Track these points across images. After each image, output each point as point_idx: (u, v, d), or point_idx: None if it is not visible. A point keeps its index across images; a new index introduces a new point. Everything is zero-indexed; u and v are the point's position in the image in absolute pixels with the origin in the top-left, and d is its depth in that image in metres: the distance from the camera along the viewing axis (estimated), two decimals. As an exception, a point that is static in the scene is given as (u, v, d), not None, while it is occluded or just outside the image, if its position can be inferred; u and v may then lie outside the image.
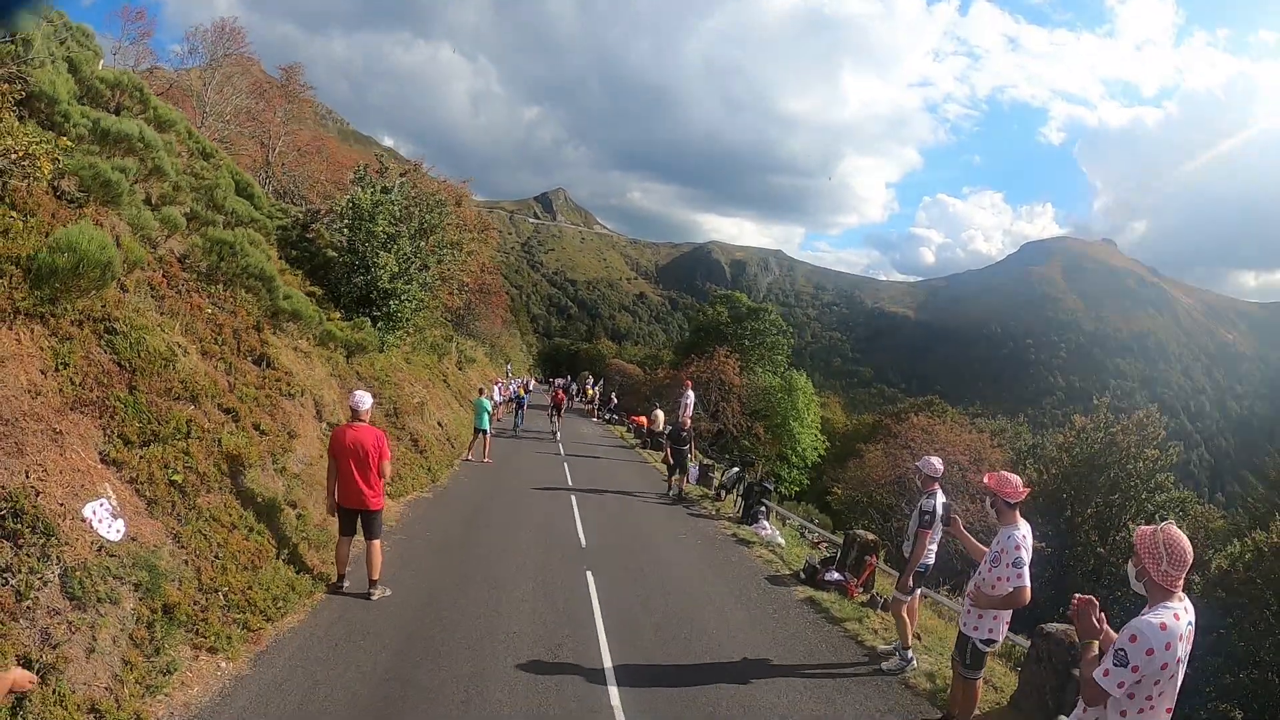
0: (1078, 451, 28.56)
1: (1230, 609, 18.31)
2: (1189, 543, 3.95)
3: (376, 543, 9.05)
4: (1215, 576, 19.94)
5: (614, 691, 7.23)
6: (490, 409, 22.12)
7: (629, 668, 7.87)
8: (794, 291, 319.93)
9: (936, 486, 8.48)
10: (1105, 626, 4.16)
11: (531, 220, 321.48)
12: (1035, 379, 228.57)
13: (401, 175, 22.13)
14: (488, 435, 21.71)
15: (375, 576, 9.04)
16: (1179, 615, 3.85)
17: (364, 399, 9.14)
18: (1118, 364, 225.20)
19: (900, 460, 32.44)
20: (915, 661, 8.60)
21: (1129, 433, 28.29)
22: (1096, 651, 4.08)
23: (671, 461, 19.97)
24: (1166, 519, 4.17)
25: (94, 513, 3.82)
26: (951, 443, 31.39)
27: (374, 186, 19.73)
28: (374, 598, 8.92)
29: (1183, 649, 3.86)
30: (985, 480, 6.79)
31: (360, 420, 9.02)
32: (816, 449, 48.94)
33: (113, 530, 3.95)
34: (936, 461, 8.71)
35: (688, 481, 21.65)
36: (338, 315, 17.39)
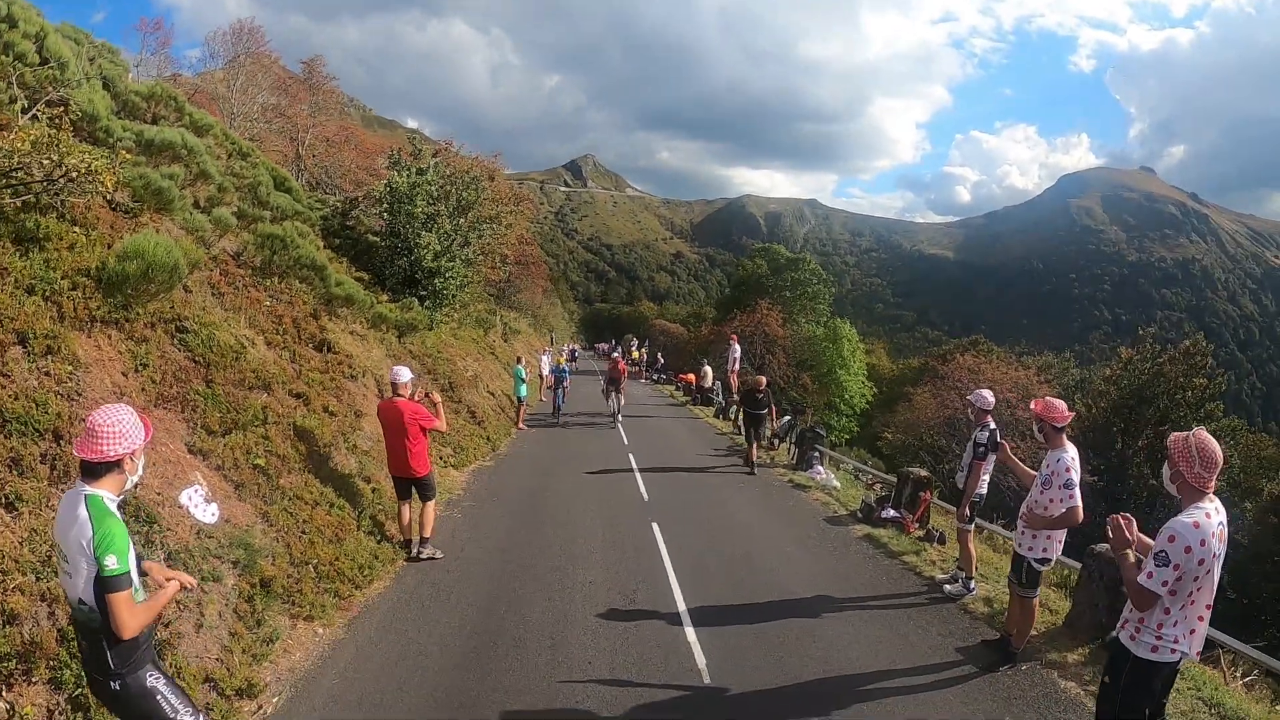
0: (1125, 384, 28.44)
1: None
2: (1219, 446, 4.23)
3: (430, 504, 9.55)
4: (1268, 503, 19.93)
5: (689, 631, 7.63)
6: (525, 376, 23.00)
7: (701, 609, 8.26)
8: (831, 240, 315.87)
9: (989, 419, 8.69)
10: (1139, 534, 4.44)
11: (562, 189, 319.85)
12: (1080, 314, 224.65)
13: (434, 156, 22.44)
14: (523, 402, 22.55)
15: (426, 535, 9.52)
16: (1210, 514, 4.15)
17: (400, 373, 9.42)
18: (1164, 294, 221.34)
19: (948, 401, 32.30)
20: (975, 589, 8.90)
21: (1176, 363, 28.15)
22: (1133, 560, 4.36)
23: (745, 428, 17.44)
24: (1195, 428, 4.40)
25: (189, 499, 4.23)
26: (999, 380, 31.18)
27: (409, 169, 20.09)
28: (423, 556, 9.36)
29: (1216, 546, 4.15)
30: (1032, 406, 6.99)
31: (399, 394, 9.32)
32: (864, 395, 48.86)
33: (208, 514, 4.37)
34: (988, 394, 8.92)
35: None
36: (385, 298, 17.86)
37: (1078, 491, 6.50)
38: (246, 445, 8.25)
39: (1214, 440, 4.24)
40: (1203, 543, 4.07)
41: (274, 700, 5.82)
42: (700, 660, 6.99)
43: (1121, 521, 4.42)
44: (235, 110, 30.34)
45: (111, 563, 3.45)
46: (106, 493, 3.64)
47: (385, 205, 19.72)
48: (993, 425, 8.67)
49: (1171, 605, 4.18)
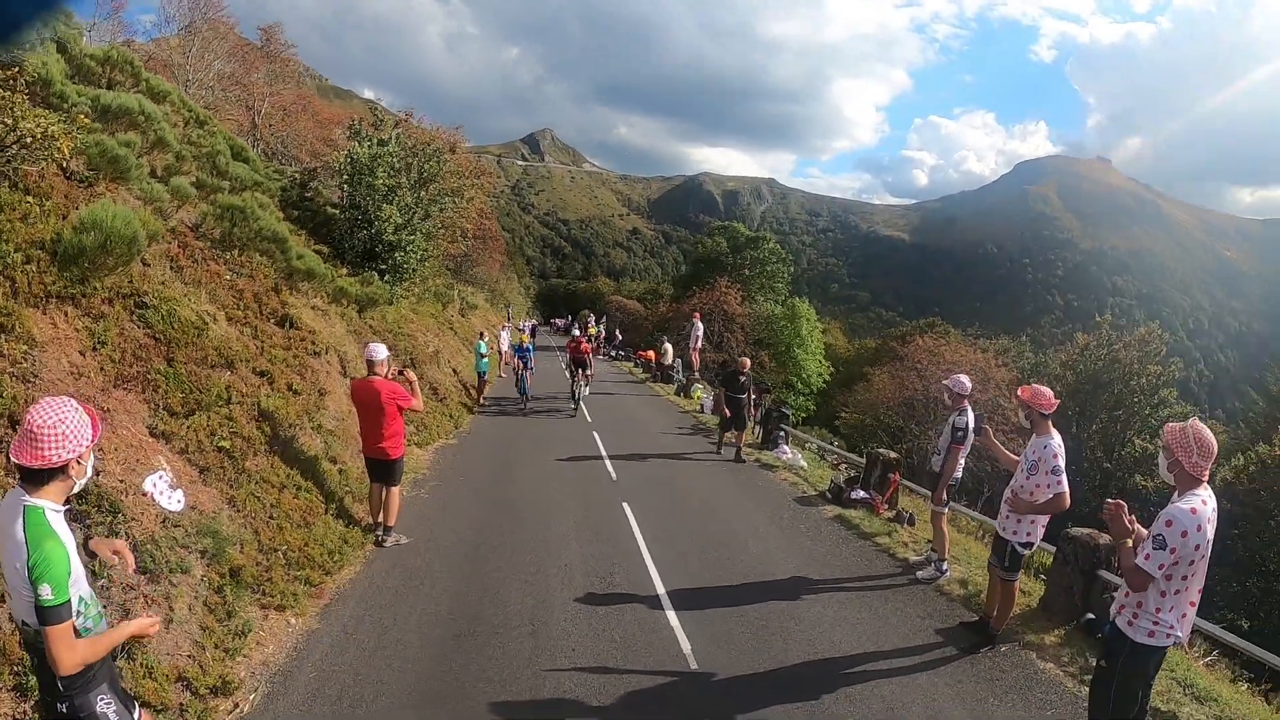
0: (1081, 369, 29.02)
1: (1235, 520, 18.95)
2: (1213, 436, 4.37)
3: (395, 490, 9.27)
4: (1219, 488, 20.42)
5: (671, 615, 7.58)
6: (487, 351, 22.48)
7: (680, 592, 8.23)
8: (788, 219, 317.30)
9: (966, 403, 8.70)
10: (1136, 525, 4.51)
11: (519, 162, 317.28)
12: (1033, 298, 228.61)
13: (395, 127, 22.01)
14: (484, 379, 22.27)
15: (390, 523, 9.26)
16: (1205, 501, 4.29)
17: (377, 351, 9.10)
18: (1116, 282, 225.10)
19: (907, 382, 32.69)
20: (949, 571, 8.95)
21: (1131, 349, 28.80)
22: (1131, 545, 4.44)
23: (728, 413, 16.12)
24: (1190, 419, 4.50)
25: (154, 485, 3.95)
26: (957, 363, 31.59)
27: (370, 140, 19.67)
28: (386, 544, 9.13)
29: (1210, 532, 4.28)
30: (1020, 393, 7.05)
31: (375, 373, 9.02)
32: (821, 375, 49.18)
33: (173, 501, 4.08)
34: (965, 379, 8.92)
35: (706, 413, 21.87)
36: (344, 271, 17.49)
37: (1065, 478, 6.56)
38: (210, 427, 7.95)
39: (1209, 431, 4.37)
40: (1199, 528, 4.20)
41: (250, 697, 5.63)
42: (685, 645, 6.93)
43: (1119, 510, 4.51)
44: (190, 78, 29.45)
45: (46, 593, 3.05)
46: (49, 504, 3.20)
47: (345, 176, 19.31)
48: (970, 410, 8.69)
49: (1167, 589, 4.30)
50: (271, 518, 7.88)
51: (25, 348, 6.26)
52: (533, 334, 43.01)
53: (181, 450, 7.37)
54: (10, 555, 3.12)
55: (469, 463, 14.24)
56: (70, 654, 3.12)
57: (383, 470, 9.16)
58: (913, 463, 25.34)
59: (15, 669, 4.37)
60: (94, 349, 7.18)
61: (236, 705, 5.46)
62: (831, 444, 23.00)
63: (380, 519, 9.27)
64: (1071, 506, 6.63)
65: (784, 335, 46.82)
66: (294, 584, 7.24)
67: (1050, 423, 6.77)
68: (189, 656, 5.55)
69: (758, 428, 18.16)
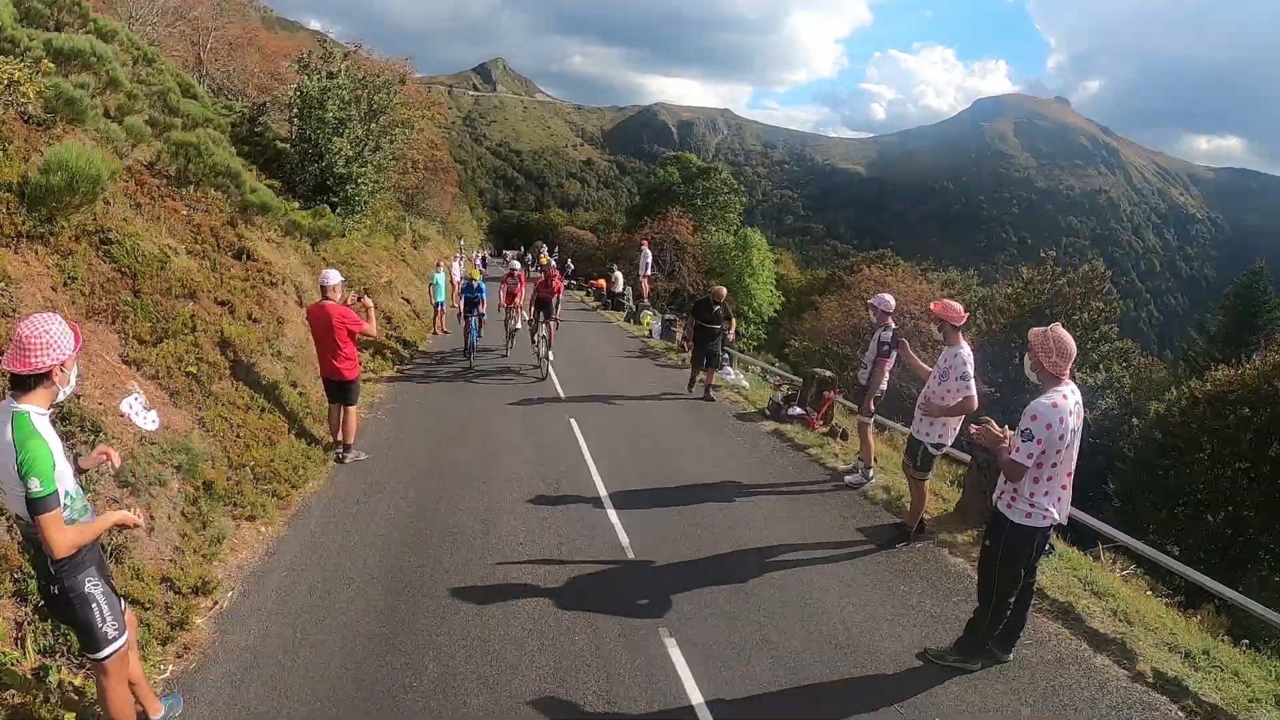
0: (1025, 302, 29.79)
1: (1167, 450, 19.95)
2: (1072, 339, 5.03)
3: (352, 409, 9.75)
4: (1153, 420, 21.54)
5: (612, 514, 8.35)
6: (444, 281, 23.01)
7: (621, 494, 9.00)
8: (743, 150, 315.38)
9: (890, 320, 9.41)
10: (1005, 431, 5.21)
11: (471, 93, 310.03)
12: (987, 234, 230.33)
13: (345, 59, 21.86)
14: (443, 308, 22.67)
15: (349, 441, 9.80)
16: (1066, 396, 4.94)
17: (330, 276, 9.57)
18: (1070, 221, 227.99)
19: (854, 311, 33.31)
20: (875, 477, 9.74)
21: (1075, 285, 29.61)
22: (1007, 445, 5.10)
23: (694, 345, 14.84)
24: (1053, 324, 5.13)
25: (130, 407, 4.34)
26: (903, 293, 32.22)
27: (320, 73, 19.60)
28: (346, 461, 9.68)
29: (1073, 422, 4.94)
30: (932, 307, 7.72)
31: (328, 298, 9.47)
32: (772, 304, 49.82)
33: (149, 421, 4.49)
34: (889, 297, 9.62)
35: (653, 337, 22.45)
36: (296, 205, 17.59)
37: (973, 383, 7.25)
38: (178, 354, 8.36)
39: (1068, 334, 5.03)
40: (1061, 420, 4.85)
41: (228, 595, 6.15)
42: (624, 539, 7.68)
43: (985, 429, 5.21)
44: (132, 14, 28.65)
45: (35, 485, 3.47)
46: (35, 408, 3.63)
47: (295, 110, 19.29)
48: (894, 326, 9.38)
49: (1039, 476, 4.97)
50: (238, 437, 8.37)
51: (2, 285, 6.59)
52: (483, 265, 42.78)
53: (153, 376, 7.80)
54: (3, 458, 3.54)
55: (423, 386, 14.82)
56: (61, 537, 3.57)
57: (339, 390, 9.64)
58: (857, 385, 26.10)
59: (15, 575, 4.78)
60: (65, 284, 7.52)
61: (215, 603, 5.97)
62: (773, 365, 23.67)
63: (339, 437, 9.80)
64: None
65: (735, 265, 47.28)
66: (262, 496, 7.77)
67: (960, 334, 7.46)
68: (170, 560, 6.05)
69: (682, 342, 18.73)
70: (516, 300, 18.19)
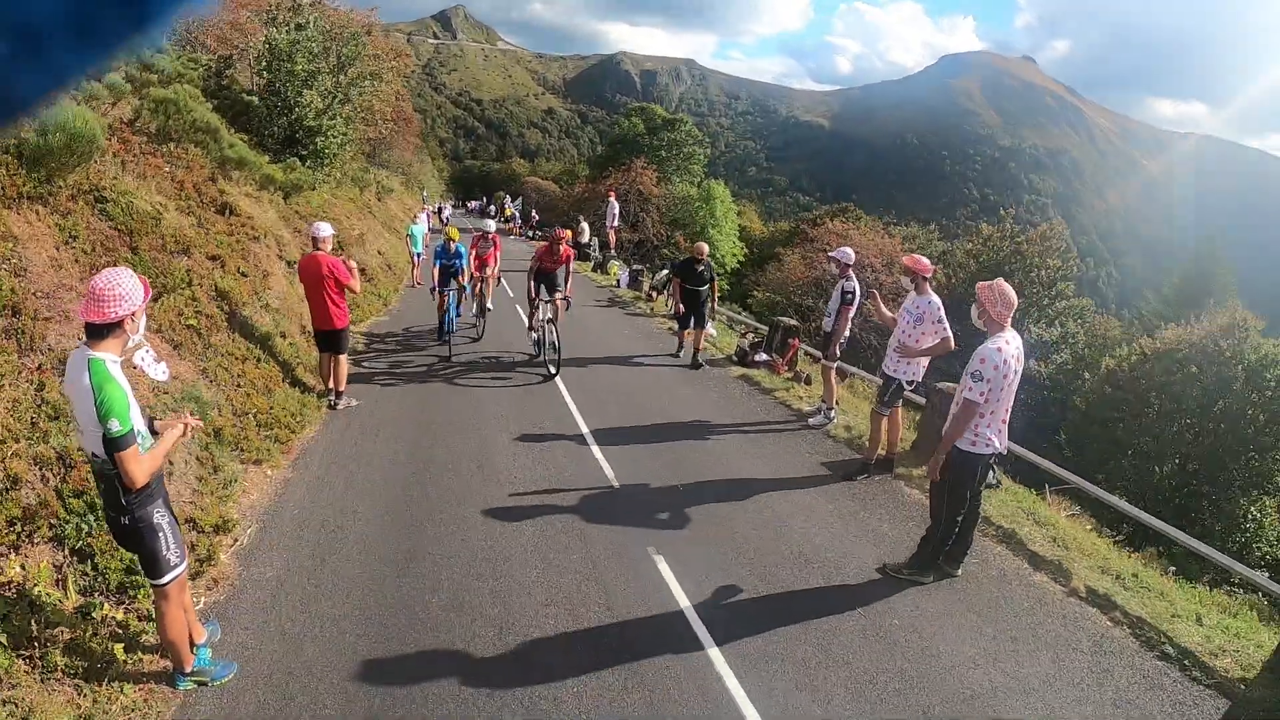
0: (985, 259, 30.61)
1: (1117, 404, 20.87)
2: (1014, 291, 5.80)
3: (342, 357, 10.21)
4: (1104, 374, 22.44)
5: (595, 450, 9.07)
6: (420, 234, 23.30)
7: (602, 431, 9.70)
8: (707, 101, 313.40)
9: (850, 272, 10.06)
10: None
11: (431, 41, 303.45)
12: (950, 190, 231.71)
13: (311, 8, 21.73)
14: (420, 258, 22.90)
15: (340, 388, 10.26)
16: (1009, 341, 5.71)
17: (321, 228, 9.93)
18: (1032, 180, 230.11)
19: (817, 263, 33.81)
20: (836, 417, 10.46)
21: (1033, 244, 30.51)
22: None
23: (683, 308, 13.84)
24: (996, 279, 5.85)
25: (141, 359, 4.67)
26: (865, 247, 32.81)
27: (288, 25, 19.57)
28: (339, 407, 10.17)
29: (1014, 365, 5.69)
30: (904, 260, 8.63)
31: (319, 248, 9.83)
32: (735, 255, 50.19)
33: (159, 372, 4.82)
34: (850, 251, 10.28)
35: (621, 286, 22.92)
36: (266, 159, 17.71)
37: (947, 325, 8.08)
38: (178, 307, 8.77)
39: (1009, 287, 5.80)
40: (1004, 362, 5.60)
41: (247, 531, 6.63)
42: (608, 471, 8.41)
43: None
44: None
45: (114, 426, 3.76)
46: (108, 355, 3.88)
47: (264, 64, 19.29)
48: (855, 277, 10.04)
49: (985, 410, 5.69)
50: (239, 386, 8.82)
51: (10, 245, 6.85)
52: (444, 221, 42.31)
53: (157, 329, 8.18)
54: (80, 400, 3.84)
55: (403, 336, 15.30)
56: (138, 467, 3.88)
57: (330, 340, 10.03)
58: (819, 336, 26.83)
59: (52, 522, 5.04)
60: (67, 243, 7.80)
61: (236, 540, 6.45)
62: (739, 314, 24.28)
63: (331, 385, 10.24)
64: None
65: (699, 216, 47.54)
66: (266, 442, 8.24)
67: (928, 285, 8.28)
68: (190, 502, 6.48)
69: (671, 299, 19.00)
70: (489, 270, 15.36)
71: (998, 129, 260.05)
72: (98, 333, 3.89)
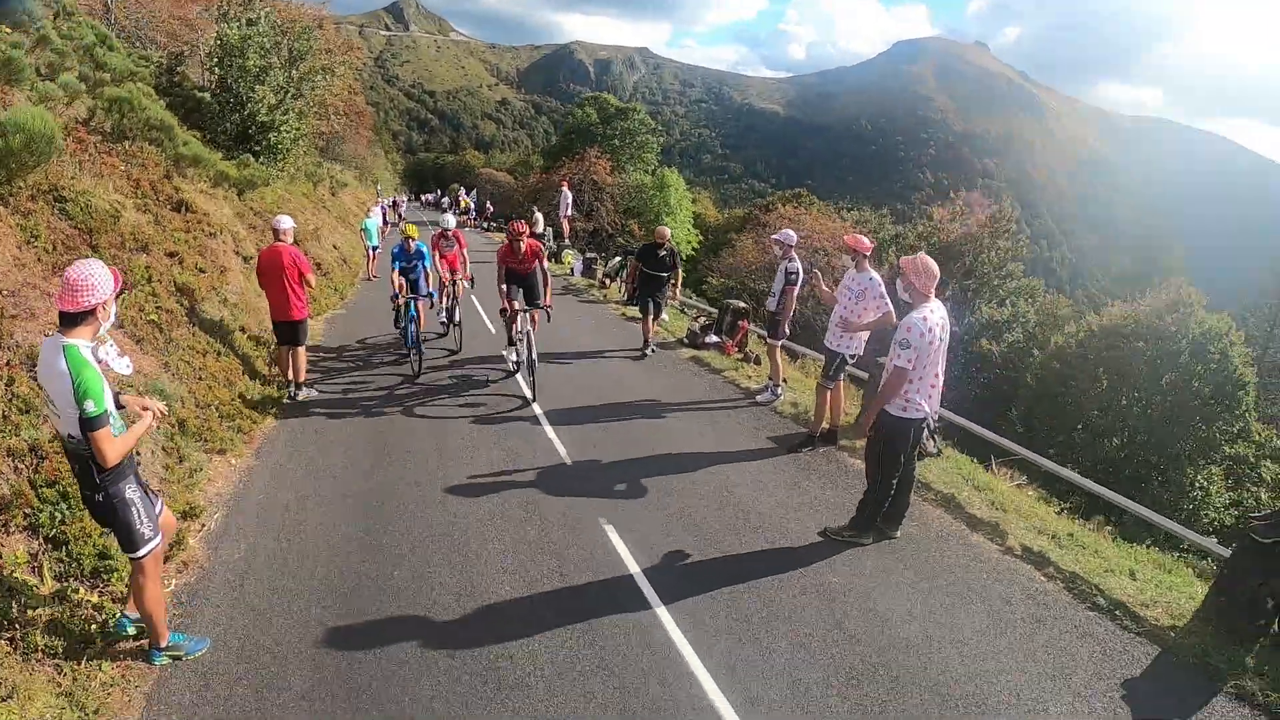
0: (935, 241, 31.21)
1: (1066, 379, 21.55)
2: (935, 264, 6.14)
3: (300, 349, 10.39)
4: (1053, 350, 23.13)
5: (549, 429, 9.46)
6: (375, 228, 23.56)
7: (555, 411, 10.10)
8: (661, 90, 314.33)
9: (793, 252, 10.44)
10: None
11: (383, 32, 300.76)
12: (903, 175, 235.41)
13: (262, 2, 21.66)
14: (376, 251, 23.21)
15: (300, 380, 10.46)
16: (934, 310, 6.07)
17: (282, 221, 10.18)
18: (986, 164, 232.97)
19: (769, 247, 34.35)
20: (783, 394, 10.88)
21: (984, 226, 31.13)
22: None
23: (636, 289, 13.89)
24: (919, 253, 6.25)
25: (106, 354, 4.86)
26: (817, 231, 33.47)
27: (239, 21, 19.51)
28: (299, 398, 10.36)
29: (940, 333, 6.05)
30: (845, 239, 9.02)
31: (281, 240, 10.04)
32: (690, 243, 50.60)
33: (123, 366, 4.97)
34: (791, 233, 10.67)
35: (578, 275, 23.21)
36: (219, 156, 17.70)
37: (888, 300, 8.38)
38: (139, 303, 8.94)
39: (932, 260, 6.15)
40: (930, 330, 5.94)
41: (214, 517, 6.86)
42: (561, 449, 8.79)
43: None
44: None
45: (90, 406, 4.01)
46: (82, 341, 4.10)
47: (215, 60, 19.24)
48: (797, 258, 10.44)
49: (913, 376, 6.04)
50: (200, 378, 8.99)
51: None
52: (397, 216, 42.11)
53: (119, 325, 8.28)
54: (56, 383, 4.04)
55: (359, 328, 15.49)
56: (112, 447, 4.14)
57: (289, 332, 10.21)
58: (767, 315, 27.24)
59: (26, 511, 5.21)
60: (29, 243, 7.92)
61: (204, 525, 6.67)
62: (690, 299, 24.69)
63: (291, 376, 10.43)
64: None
65: (653, 204, 47.91)
66: (229, 432, 8.46)
67: (868, 262, 8.66)
68: (158, 491, 6.67)
69: (624, 285, 19.51)
70: (460, 274, 13.87)
71: (951, 114, 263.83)
72: (71, 320, 4.09)
